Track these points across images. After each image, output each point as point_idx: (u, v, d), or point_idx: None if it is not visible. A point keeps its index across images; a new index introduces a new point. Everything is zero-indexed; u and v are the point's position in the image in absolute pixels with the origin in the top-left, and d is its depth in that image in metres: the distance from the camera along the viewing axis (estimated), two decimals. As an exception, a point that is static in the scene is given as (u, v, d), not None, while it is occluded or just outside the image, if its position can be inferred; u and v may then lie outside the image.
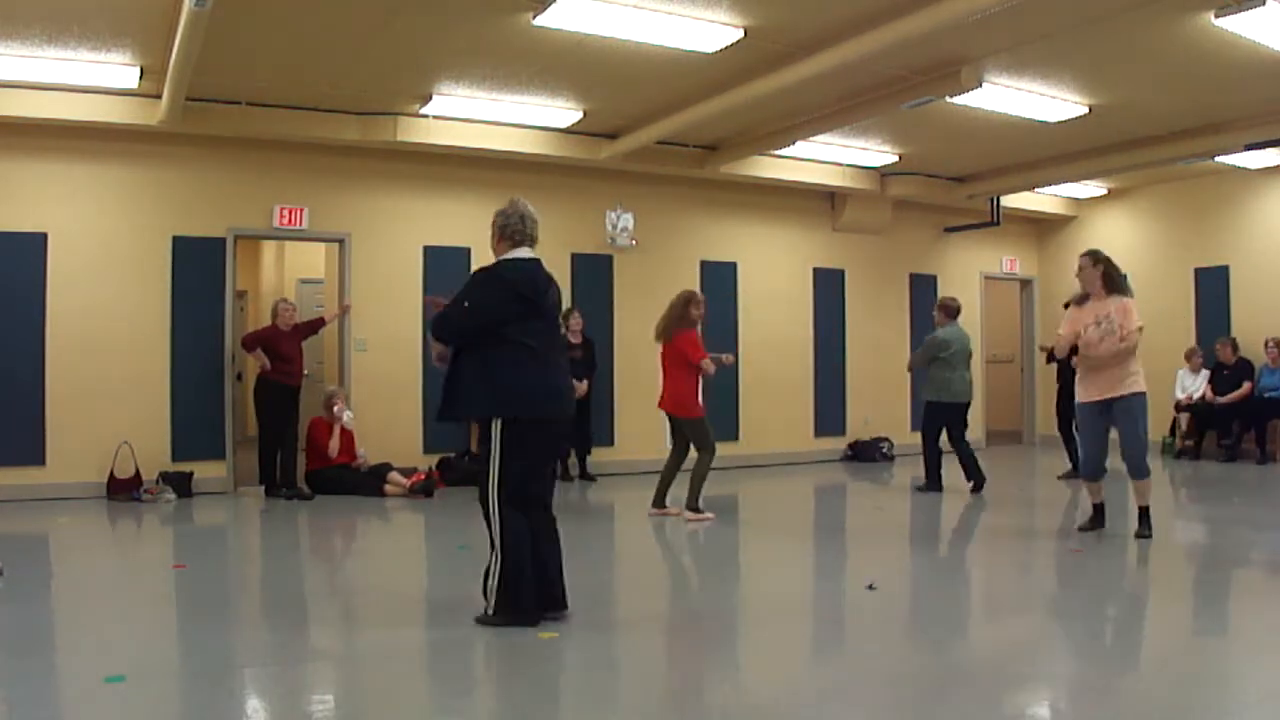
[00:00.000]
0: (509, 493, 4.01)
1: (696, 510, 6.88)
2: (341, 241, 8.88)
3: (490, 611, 4.01)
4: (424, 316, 8.38)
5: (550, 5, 5.93)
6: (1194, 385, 10.81)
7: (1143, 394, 5.96)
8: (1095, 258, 6.16)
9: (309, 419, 8.40)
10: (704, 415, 6.93)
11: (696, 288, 10.32)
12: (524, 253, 4.18)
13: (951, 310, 8.41)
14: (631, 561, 5.97)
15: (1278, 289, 10.49)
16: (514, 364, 4.02)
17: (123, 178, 8.10)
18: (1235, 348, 10.55)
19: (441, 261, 9.07)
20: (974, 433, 12.20)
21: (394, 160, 8.92)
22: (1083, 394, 6.13)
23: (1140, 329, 5.93)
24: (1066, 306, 6.38)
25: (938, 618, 4.51)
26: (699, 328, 7.01)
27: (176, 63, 6.31)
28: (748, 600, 5.04)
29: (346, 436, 8.34)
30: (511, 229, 4.18)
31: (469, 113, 8.37)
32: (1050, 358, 7.86)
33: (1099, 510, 6.30)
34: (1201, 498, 8.44)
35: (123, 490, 7.74)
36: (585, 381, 8.77)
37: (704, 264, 10.47)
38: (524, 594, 3.97)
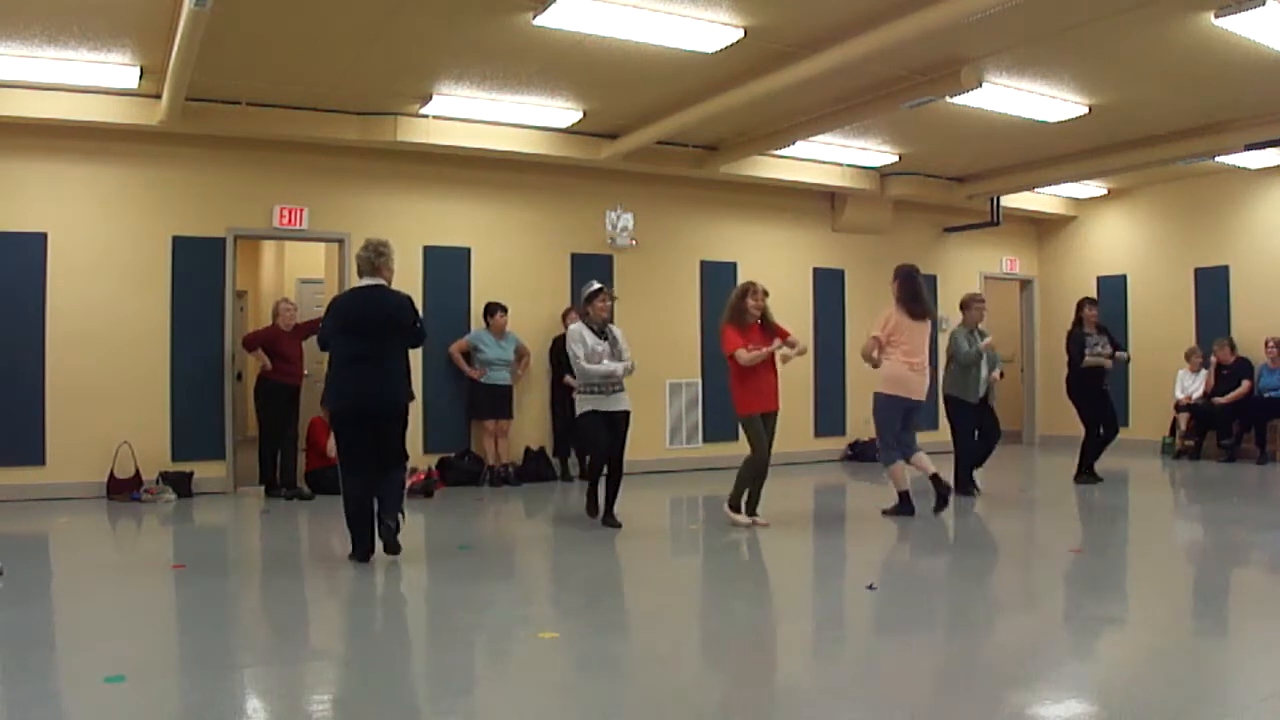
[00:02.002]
0: (344, 463, 5.25)
1: (734, 509, 6.76)
2: (341, 241, 8.87)
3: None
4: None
5: (550, 5, 5.94)
6: (1194, 385, 10.81)
7: (877, 394, 7.20)
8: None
9: (309, 419, 8.40)
10: (749, 414, 6.71)
11: (696, 288, 10.45)
12: (364, 281, 5.35)
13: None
14: (631, 561, 5.96)
15: (1278, 289, 10.50)
16: (332, 368, 5.29)
17: (123, 178, 8.10)
18: (1233, 347, 10.55)
19: (441, 261, 9.08)
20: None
21: (394, 160, 8.92)
22: None
23: (873, 336, 7.21)
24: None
25: (938, 617, 4.51)
26: (760, 318, 6.78)
27: (176, 63, 6.31)
28: (748, 600, 5.03)
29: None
30: (357, 264, 5.40)
31: (469, 113, 8.36)
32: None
33: (905, 497, 6.93)
34: (1201, 498, 8.43)
35: (122, 490, 7.74)
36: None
37: (704, 264, 10.47)
38: (356, 538, 5.30)
